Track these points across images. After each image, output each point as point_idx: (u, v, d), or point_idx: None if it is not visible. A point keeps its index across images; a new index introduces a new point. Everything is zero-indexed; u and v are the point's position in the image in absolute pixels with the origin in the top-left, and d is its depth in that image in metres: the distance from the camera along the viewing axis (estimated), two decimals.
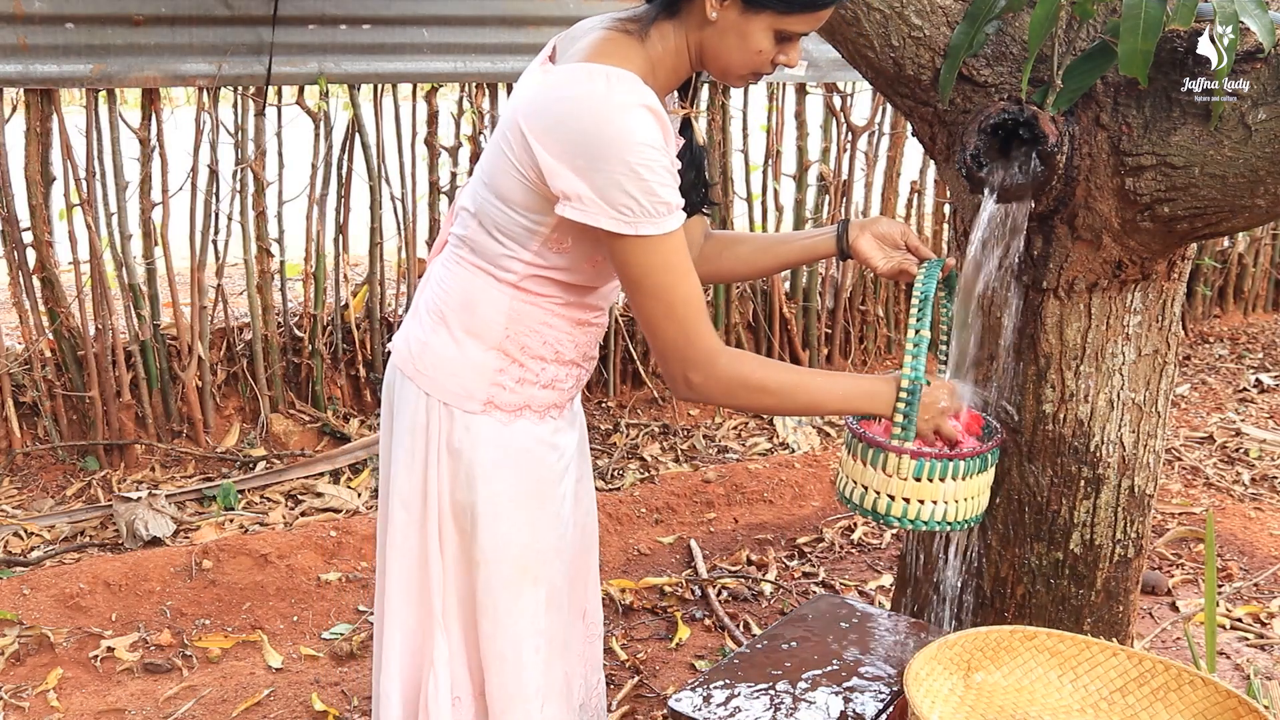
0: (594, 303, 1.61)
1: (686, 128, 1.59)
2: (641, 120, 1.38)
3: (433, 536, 1.61)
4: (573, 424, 1.70)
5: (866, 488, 1.62)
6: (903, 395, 1.56)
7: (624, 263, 1.45)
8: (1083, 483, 1.96)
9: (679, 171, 1.46)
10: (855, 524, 3.39)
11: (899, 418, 1.57)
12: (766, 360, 1.59)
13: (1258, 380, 4.74)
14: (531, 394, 1.58)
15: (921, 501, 1.58)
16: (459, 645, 1.64)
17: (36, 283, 3.48)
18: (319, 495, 3.53)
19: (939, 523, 1.60)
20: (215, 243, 3.69)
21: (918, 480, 1.57)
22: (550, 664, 1.66)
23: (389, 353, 1.69)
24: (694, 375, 1.50)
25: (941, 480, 1.57)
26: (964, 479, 1.59)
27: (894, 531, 3.35)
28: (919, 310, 1.55)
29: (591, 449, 3.82)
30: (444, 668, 1.63)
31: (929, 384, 1.59)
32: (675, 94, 1.61)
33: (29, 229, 3.40)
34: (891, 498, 1.59)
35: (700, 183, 1.61)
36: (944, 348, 1.78)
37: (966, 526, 1.65)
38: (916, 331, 1.55)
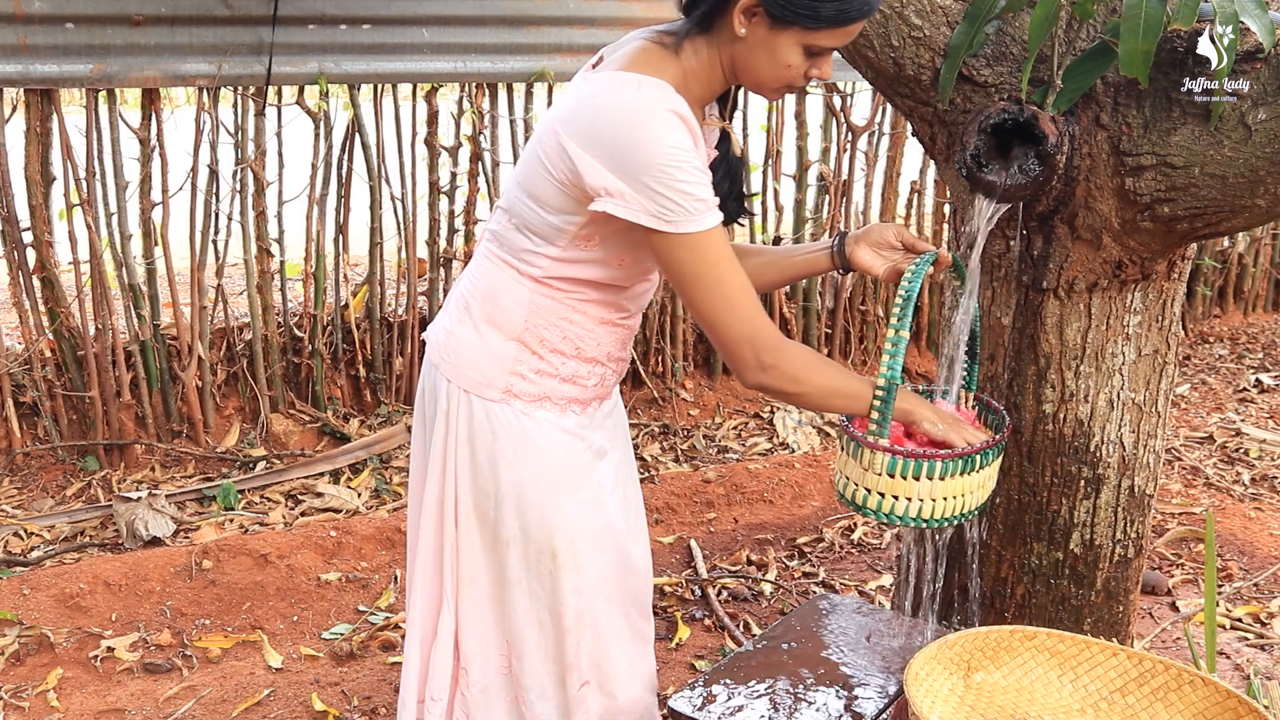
0: (621, 303, 1.63)
1: (724, 140, 1.62)
2: (668, 123, 1.42)
3: (449, 516, 1.66)
4: (599, 424, 1.71)
5: (849, 478, 1.63)
6: (878, 393, 1.57)
7: (673, 261, 1.48)
8: (1083, 483, 1.96)
9: (715, 183, 1.50)
10: (855, 524, 3.39)
11: (874, 414, 1.58)
12: (818, 354, 1.63)
13: (1258, 380, 4.74)
14: (551, 386, 1.61)
15: (896, 497, 1.59)
16: (482, 632, 1.68)
17: (36, 283, 3.48)
18: (319, 495, 3.53)
19: (915, 519, 1.60)
20: (215, 243, 3.69)
21: (891, 476, 1.57)
22: (580, 643, 1.68)
23: (423, 343, 1.75)
24: (766, 357, 1.52)
25: (916, 479, 1.57)
26: (942, 479, 1.58)
27: (894, 531, 3.35)
28: (900, 310, 1.55)
29: None
30: (447, 637, 1.68)
31: (923, 392, 1.59)
32: (715, 106, 1.64)
33: (29, 229, 3.40)
34: (868, 490, 1.60)
35: (736, 194, 1.64)
36: (961, 336, 1.77)
37: (949, 524, 1.64)
38: (896, 331, 1.55)
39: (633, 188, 1.42)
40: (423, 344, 4.01)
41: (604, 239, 1.53)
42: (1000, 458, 1.72)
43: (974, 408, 1.82)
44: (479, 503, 1.63)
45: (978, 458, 1.61)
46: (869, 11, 1.46)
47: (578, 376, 1.63)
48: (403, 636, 2.74)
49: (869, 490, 1.60)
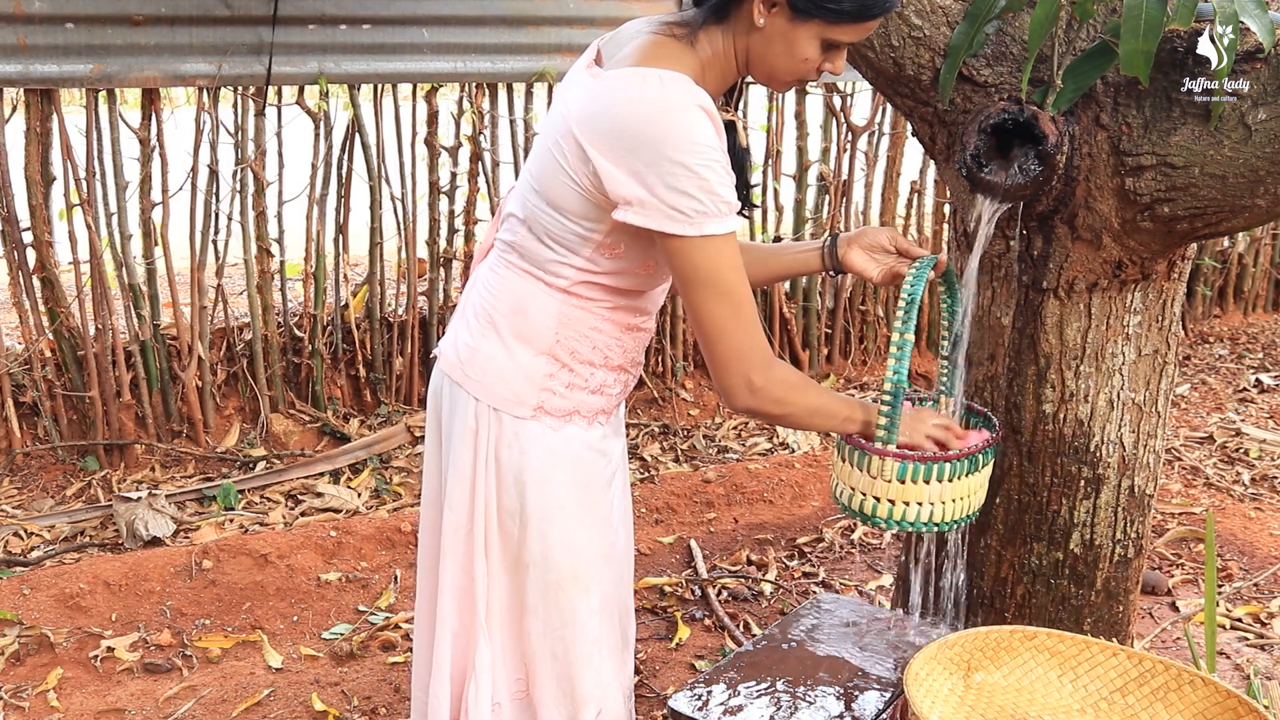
0: (643, 307, 1.61)
1: (730, 131, 1.60)
2: (698, 120, 1.39)
3: (478, 542, 1.61)
4: (619, 431, 1.70)
5: (854, 489, 1.62)
6: (885, 398, 1.56)
7: (688, 264, 1.44)
8: (1083, 483, 1.97)
9: None
10: (855, 524, 3.39)
11: (882, 420, 1.57)
12: (801, 373, 1.60)
13: (1258, 380, 4.74)
14: (581, 399, 1.58)
15: (907, 503, 1.58)
16: (500, 651, 1.64)
17: (36, 283, 3.48)
18: (319, 495, 3.53)
19: (926, 524, 1.60)
20: (215, 243, 3.69)
21: (902, 482, 1.57)
22: (601, 670, 1.66)
23: (434, 357, 1.69)
24: (757, 377, 1.49)
25: (926, 482, 1.57)
26: (951, 480, 1.58)
27: (893, 532, 3.35)
28: (904, 313, 1.54)
29: None
30: (485, 673, 1.63)
31: (916, 402, 1.59)
32: (721, 98, 1.62)
33: (29, 229, 3.40)
34: (877, 499, 1.59)
35: (742, 185, 1.61)
36: (944, 342, 1.78)
37: (957, 527, 1.64)
38: (901, 335, 1.55)
39: (653, 191, 1.39)
40: (423, 344, 4.02)
41: (629, 245, 1.50)
42: (994, 458, 1.73)
43: (952, 413, 1.82)
44: (503, 521, 1.60)
45: (980, 456, 1.62)
46: (890, 7, 1.45)
47: (605, 386, 1.60)
48: (404, 637, 2.74)
49: (878, 499, 1.59)
